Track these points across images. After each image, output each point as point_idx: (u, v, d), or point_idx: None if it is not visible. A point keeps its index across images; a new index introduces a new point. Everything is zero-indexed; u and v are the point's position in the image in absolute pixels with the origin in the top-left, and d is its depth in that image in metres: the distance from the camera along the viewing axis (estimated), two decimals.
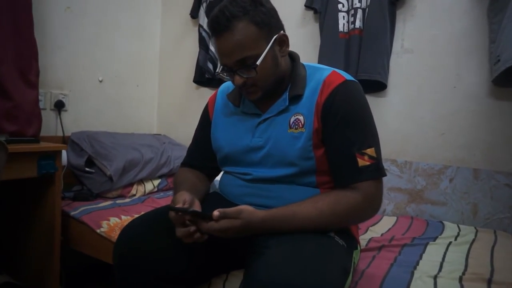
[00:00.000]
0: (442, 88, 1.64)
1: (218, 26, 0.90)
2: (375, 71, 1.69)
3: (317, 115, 0.93)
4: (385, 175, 0.93)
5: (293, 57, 1.04)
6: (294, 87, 0.98)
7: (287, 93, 0.98)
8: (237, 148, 1.04)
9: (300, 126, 0.94)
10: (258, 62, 0.90)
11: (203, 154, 1.15)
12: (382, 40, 1.70)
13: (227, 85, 1.15)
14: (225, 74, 0.99)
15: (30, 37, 1.65)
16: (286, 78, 1.00)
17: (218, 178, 1.42)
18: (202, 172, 1.15)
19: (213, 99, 1.16)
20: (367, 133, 0.93)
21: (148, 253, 0.92)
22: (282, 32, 0.96)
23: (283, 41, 0.97)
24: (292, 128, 0.95)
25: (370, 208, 0.92)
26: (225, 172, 1.12)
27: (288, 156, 0.95)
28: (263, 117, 1.00)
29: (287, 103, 0.97)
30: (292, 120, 0.96)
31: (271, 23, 0.93)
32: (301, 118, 0.95)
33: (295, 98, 0.97)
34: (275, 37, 0.93)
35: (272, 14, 0.94)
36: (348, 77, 0.97)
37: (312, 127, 0.93)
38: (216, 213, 0.81)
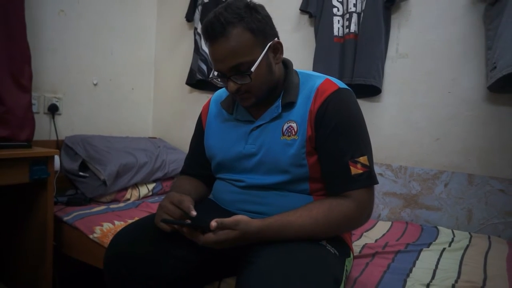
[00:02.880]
0: (437, 93, 1.64)
1: (213, 32, 0.88)
2: (370, 76, 1.69)
3: (310, 122, 0.93)
4: (377, 183, 0.93)
5: (286, 64, 1.04)
6: (287, 95, 0.97)
7: (280, 100, 0.98)
8: (230, 155, 1.03)
9: (293, 133, 0.94)
10: (252, 69, 0.89)
11: (198, 162, 1.15)
12: (377, 45, 1.69)
13: (220, 93, 1.15)
14: (218, 80, 0.98)
15: (23, 41, 1.64)
16: (279, 85, 1.00)
17: None
18: (200, 180, 1.15)
19: (206, 107, 1.16)
20: (360, 142, 0.93)
21: (139, 259, 0.91)
22: (276, 39, 0.96)
23: (277, 48, 0.96)
24: (285, 135, 0.95)
25: (363, 215, 0.93)
26: (218, 179, 1.12)
27: (280, 163, 0.95)
28: (255, 124, 1.00)
29: (279, 110, 0.97)
30: (285, 127, 0.96)
31: (265, 30, 0.92)
32: (294, 125, 0.95)
33: (288, 105, 0.97)
34: (269, 44, 0.93)
35: (267, 21, 0.94)
36: (341, 85, 0.97)
37: (305, 135, 0.93)
38: (213, 223, 0.80)
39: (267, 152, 0.97)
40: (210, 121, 1.12)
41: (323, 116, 0.92)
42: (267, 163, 0.97)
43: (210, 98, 1.17)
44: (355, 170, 0.89)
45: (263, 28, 0.91)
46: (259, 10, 0.93)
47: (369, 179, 0.91)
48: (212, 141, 1.09)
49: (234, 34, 0.87)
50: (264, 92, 0.96)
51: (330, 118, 0.91)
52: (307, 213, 0.87)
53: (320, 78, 0.98)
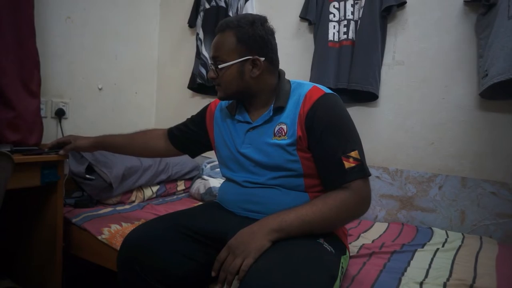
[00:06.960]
0: (432, 100, 1.71)
1: (218, 27, 1.09)
2: (367, 82, 1.75)
3: (300, 124, 1.02)
4: (369, 174, 0.99)
5: (279, 74, 1.14)
6: (278, 100, 1.08)
7: (272, 106, 1.08)
8: (229, 152, 1.14)
9: (283, 134, 1.04)
10: (219, 66, 1.06)
11: (182, 130, 1.38)
12: (373, 52, 1.76)
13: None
14: (211, 66, 1.11)
15: (32, 48, 1.68)
16: (271, 92, 1.11)
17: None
18: (162, 138, 1.40)
19: (215, 102, 1.30)
20: (349, 138, 1.00)
21: (150, 259, 0.99)
22: (261, 58, 1.06)
23: (256, 64, 1.07)
24: (276, 136, 1.05)
25: (360, 203, 0.97)
26: (225, 179, 1.22)
27: (274, 160, 1.04)
28: (251, 125, 1.11)
29: (271, 114, 1.07)
30: (276, 129, 1.06)
31: (251, 45, 1.05)
32: (284, 127, 1.05)
33: (279, 110, 1.07)
34: (249, 57, 1.05)
35: (259, 39, 1.06)
36: (327, 90, 1.06)
37: (295, 135, 1.02)
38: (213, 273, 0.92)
39: (260, 152, 1.06)
40: (216, 115, 1.24)
41: (312, 118, 1.00)
42: (263, 163, 1.06)
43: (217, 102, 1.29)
44: (348, 164, 0.96)
45: (250, 42, 1.05)
46: (260, 28, 1.06)
47: (362, 170, 0.97)
48: (217, 137, 1.22)
49: (225, 34, 1.06)
50: (232, 92, 1.10)
51: (319, 120, 1.00)
52: (305, 204, 0.95)
53: (308, 85, 1.08)
